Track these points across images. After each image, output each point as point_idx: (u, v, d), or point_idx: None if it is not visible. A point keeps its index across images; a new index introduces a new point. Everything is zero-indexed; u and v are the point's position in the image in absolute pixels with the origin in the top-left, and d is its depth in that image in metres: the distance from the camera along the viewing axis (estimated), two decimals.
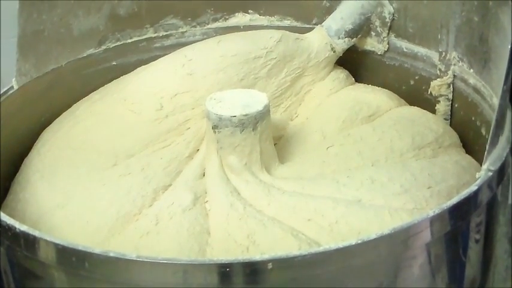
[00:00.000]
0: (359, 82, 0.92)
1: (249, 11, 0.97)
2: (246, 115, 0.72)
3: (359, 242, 0.55)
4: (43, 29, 0.83)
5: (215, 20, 0.97)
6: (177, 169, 0.75)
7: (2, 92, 0.79)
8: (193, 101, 0.81)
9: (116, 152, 0.76)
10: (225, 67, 0.84)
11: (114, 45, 0.92)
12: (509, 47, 0.64)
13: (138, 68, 0.89)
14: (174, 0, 0.94)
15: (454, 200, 0.59)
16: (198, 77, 0.83)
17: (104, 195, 0.70)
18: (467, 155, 0.79)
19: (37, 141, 0.81)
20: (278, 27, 0.92)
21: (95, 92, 0.87)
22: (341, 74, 0.90)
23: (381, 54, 0.92)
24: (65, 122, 0.83)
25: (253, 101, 0.74)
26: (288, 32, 0.88)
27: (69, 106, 0.86)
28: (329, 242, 0.62)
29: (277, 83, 0.85)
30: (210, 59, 0.85)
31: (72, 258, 0.56)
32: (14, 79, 0.81)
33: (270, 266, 0.53)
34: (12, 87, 0.80)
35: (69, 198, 0.71)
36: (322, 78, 0.88)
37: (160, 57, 0.91)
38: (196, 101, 0.81)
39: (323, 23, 0.90)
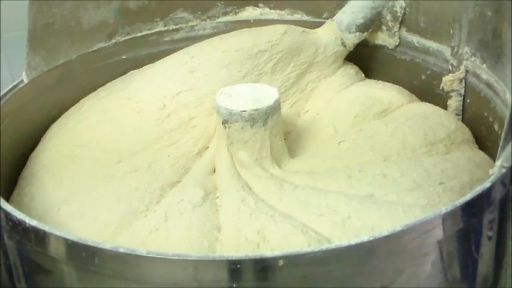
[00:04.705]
0: (370, 76, 0.92)
1: (259, 4, 0.97)
2: (256, 110, 0.72)
3: (371, 239, 0.54)
4: (53, 22, 0.83)
5: (225, 13, 0.97)
6: (184, 166, 0.74)
7: (12, 85, 0.79)
8: (196, 99, 0.81)
9: (120, 150, 0.76)
10: (227, 64, 0.83)
11: (124, 39, 0.92)
12: None
13: (144, 66, 0.89)
14: None
15: (467, 196, 0.59)
16: (200, 74, 0.83)
17: (110, 192, 0.70)
18: (480, 151, 0.79)
19: (44, 136, 0.82)
20: (288, 22, 0.92)
21: (101, 88, 0.88)
22: (351, 70, 0.89)
23: (392, 49, 0.91)
24: (70, 118, 0.83)
25: (264, 95, 0.74)
26: (293, 25, 0.87)
27: (79, 100, 0.86)
28: (341, 238, 0.62)
29: (282, 79, 0.85)
30: (212, 55, 0.84)
31: (82, 254, 0.56)
32: (24, 73, 0.81)
33: (281, 262, 0.53)
34: (22, 81, 0.80)
35: (75, 194, 0.71)
36: (329, 75, 0.87)
37: (170, 51, 0.91)
38: (199, 99, 0.81)
39: (334, 17, 0.90)
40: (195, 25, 0.96)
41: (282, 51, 0.85)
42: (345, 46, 0.88)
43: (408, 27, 0.89)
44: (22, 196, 0.73)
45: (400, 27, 0.90)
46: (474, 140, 0.81)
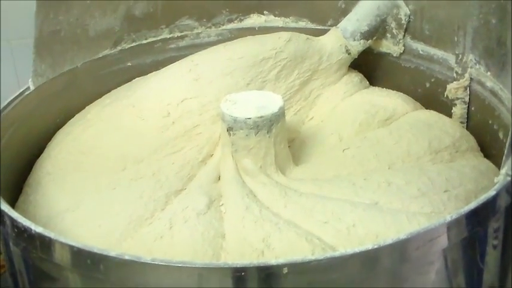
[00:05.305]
0: (374, 84, 0.92)
1: (264, 12, 0.97)
2: (261, 117, 0.72)
3: (375, 246, 0.54)
4: (59, 29, 0.84)
5: (230, 21, 0.97)
6: (189, 174, 0.75)
7: (18, 92, 0.80)
8: (201, 107, 0.81)
9: (125, 157, 0.76)
10: (232, 71, 0.84)
11: (129, 46, 0.93)
12: None
13: (149, 73, 0.89)
14: (189, 1, 0.94)
15: (472, 205, 0.59)
16: (204, 82, 0.83)
17: (115, 199, 0.70)
18: (485, 159, 0.79)
19: (49, 143, 0.82)
20: (293, 29, 0.92)
21: (106, 95, 0.88)
22: (355, 77, 0.89)
23: (396, 57, 0.91)
24: (76, 125, 0.83)
25: (268, 102, 0.74)
26: (298, 33, 0.87)
27: (84, 107, 0.86)
28: (346, 246, 0.62)
29: (286, 86, 0.85)
30: (217, 62, 0.85)
31: (88, 261, 0.56)
32: (30, 80, 0.81)
33: (285, 270, 0.53)
34: (28, 87, 0.81)
35: (80, 201, 0.71)
36: (333, 83, 0.88)
37: (175, 58, 0.91)
38: (203, 106, 0.81)
39: (338, 25, 0.90)
40: (200, 32, 0.96)
41: (286, 58, 0.85)
42: (349, 53, 0.88)
43: (413, 34, 0.90)
44: (27, 203, 0.74)
45: (404, 35, 0.90)
46: (479, 148, 0.80)
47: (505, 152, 0.63)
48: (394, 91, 0.88)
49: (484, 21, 0.78)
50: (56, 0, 0.82)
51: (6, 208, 0.62)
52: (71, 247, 0.56)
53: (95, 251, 0.55)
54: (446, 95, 0.85)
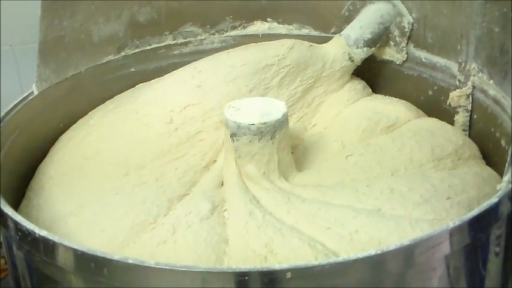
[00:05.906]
0: (377, 92, 0.92)
1: (268, 19, 0.98)
2: (264, 123, 0.72)
3: (378, 252, 0.54)
4: (64, 35, 0.84)
5: (234, 27, 0.97)
6: (192, 179, 0.75)
7: (22, 97, 0.80)
8: (203, 113, 0.82)
9: (128, 163, 0.77)
10: (234, 78, 0.84)
11: (133, 52, 0.93)
12: None
13: (152, 80, 0.90)
14: (193, 8, 0.95)
15: (474, 211, 0.59)
16: (207, 88, 0.83)
17: (118, 205, 0.71)
18: (487, 166, 0.79)
19: (52, 147, 0.82)
20: (296, 36, 0.92)
21: (109, 100, 0.88)
22: (358, 85, 0.90)
23: (399, 64, 0.91)
24: (79, 130, 0.83)
25: (272, 109, 0.74)
26: (301, 40, 0.88)
27: (88, 112, 0.87)
28: (349, 252, 0.62)
29: (289, 93, 0.85)
30: (220, 69, 0.85)
31: (91, 265, 0.56)
32: (34, 85, 0.81)
33: (289, 275, 0.53)
34: (32, 92, 0.81)
35: (83, 206, 0.71)
36: (336, 90, 0.88)
37: (178, 64, 0.91)
38: (206, 113, 0.82)
39: (342, 32, 0.90)
40: (204, 39, 0.97)
41: (289, 65, 0.85)
42: (352, 61, 0.88)
43: (416, 42, 0.90)
44: (30, 207, 0.74)
45: (407, 43, 0.90)
46: (481, 155, 0.81)
47: (508, 159, 0.63)
48: (397, 99, 0.88)
49: (487, 29, 0.79)
50: (61, 5, 0.82)
51: (9, 211, 0.62)
52: (75, 251, 0.56)
53: (99, 254, 0.55)
54: (449, 103, 0.85)
